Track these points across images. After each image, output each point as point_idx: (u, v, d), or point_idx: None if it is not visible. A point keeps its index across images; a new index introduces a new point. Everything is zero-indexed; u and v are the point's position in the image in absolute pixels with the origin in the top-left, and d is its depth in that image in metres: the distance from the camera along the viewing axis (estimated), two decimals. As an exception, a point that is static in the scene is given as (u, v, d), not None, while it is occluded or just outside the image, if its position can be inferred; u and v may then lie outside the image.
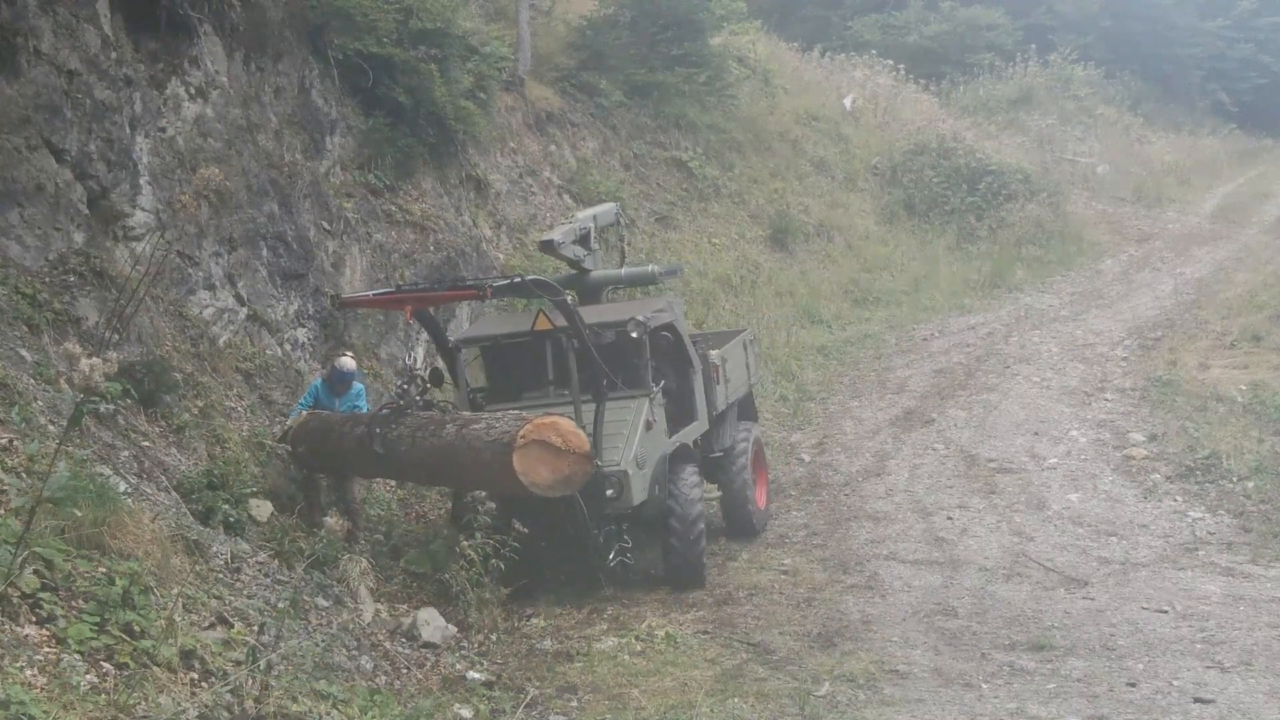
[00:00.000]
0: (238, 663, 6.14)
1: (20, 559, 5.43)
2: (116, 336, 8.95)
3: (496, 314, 13.45)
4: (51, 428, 7.31)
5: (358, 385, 10.70)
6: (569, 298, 9.92)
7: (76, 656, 5.29)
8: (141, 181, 10.25)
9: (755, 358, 13.67)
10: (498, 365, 11.09)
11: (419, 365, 9.95)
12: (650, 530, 10.65)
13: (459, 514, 10.34)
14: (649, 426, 10.28)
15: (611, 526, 10.29)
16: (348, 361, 10.60)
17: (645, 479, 10.11)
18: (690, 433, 11.18)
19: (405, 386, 9.95)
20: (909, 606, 10.02)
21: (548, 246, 11.39)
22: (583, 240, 11.90)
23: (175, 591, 6.52)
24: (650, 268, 12.69)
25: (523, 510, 9.78)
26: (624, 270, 12.62)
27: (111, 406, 8.33)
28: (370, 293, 11.19)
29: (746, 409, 13.03)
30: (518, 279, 9.65)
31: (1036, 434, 14.73)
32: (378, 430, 9.35)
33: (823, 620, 9.75)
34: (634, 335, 10.24)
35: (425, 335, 14.08)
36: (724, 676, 8.54)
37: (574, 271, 11.91)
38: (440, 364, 10.98)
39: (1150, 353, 17.64)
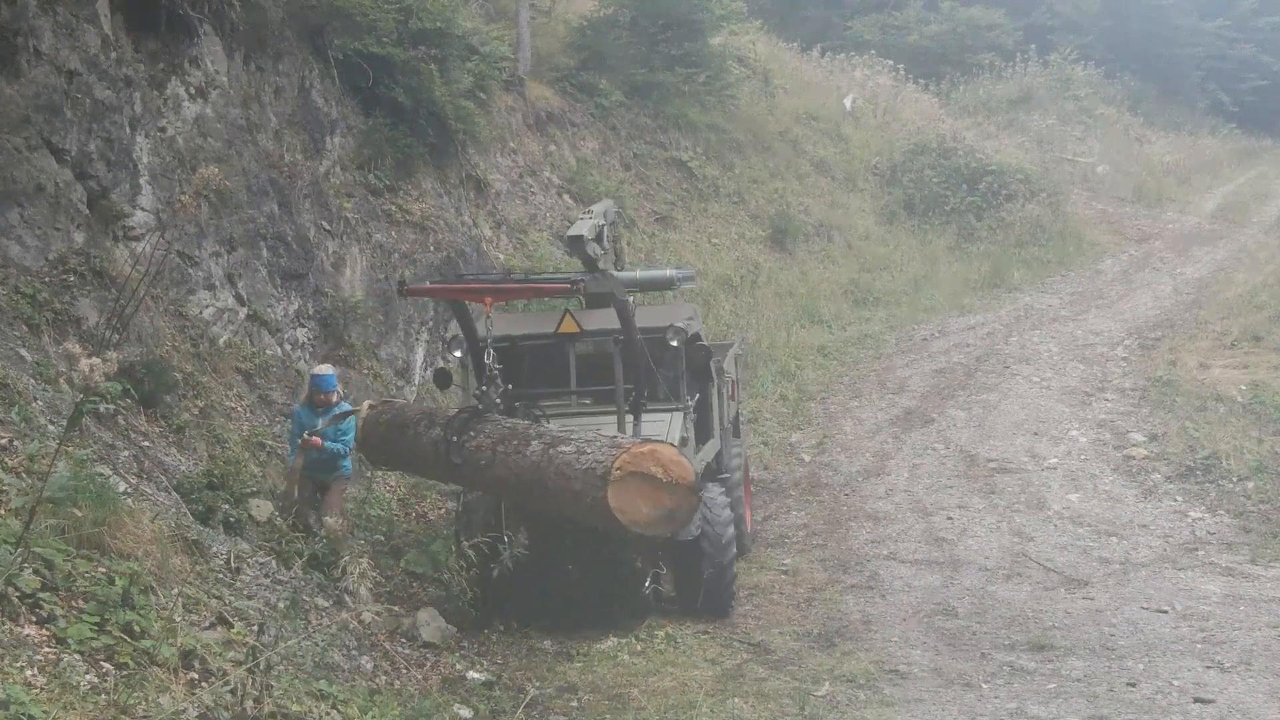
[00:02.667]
0: (238, 663, 6.13)
1: (20, 559, 5.42)
2: (116, 336, 8.94)
3: (497, 314, 13.28)
4: (51, 428, 7.30)
5: (343, 404, 9.71)
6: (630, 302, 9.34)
7: (76, 656, 5.28)
8: (141, 181, 10.24)
9: (743, 372, 13.28)
10: (514, 368, 9.99)
11: (495, 364, 8.81)
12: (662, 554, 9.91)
13: (462, 519, 9.84)
14: (684, 443, 9.53)
15: (651, 551, 9.48)
16: (324, 366, 9.87)
17: None
18: (709, 450, 10.59)
19: (484, 388, 8.84)
20: (909, 606, 10.02)
21: (577, 242, 10.71)
22: (597, 238, 11.58)
23: (175, 591, 6.51)
24: (668, 271, 11.97)
25: (549, 529, 9.16)
26: (639, 273, 12.00)
27: (111, 406, 8.32)
28: (430, 282, 10.18)
29: (735, 426, 12.49)
30: (599, 274, 9.12)
31: (1036, 434, 14.73)
32: (454, 438, 8.42)
33: (823, 620, 9.75)
34: (673, 343, 9.62)
35: (425, 336, 14.11)
36: (724, 676, 8.54)
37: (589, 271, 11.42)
38: (447, 366, 10.49)
39: (1150, 353, 17.64)
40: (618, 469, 7.43)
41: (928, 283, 22.82)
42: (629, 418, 9.35)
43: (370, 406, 9.56)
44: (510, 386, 8.92)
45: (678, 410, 9.79)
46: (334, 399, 9.56)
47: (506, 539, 8.96)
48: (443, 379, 10.21)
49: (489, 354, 8.72)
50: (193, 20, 11.15)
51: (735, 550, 9.86)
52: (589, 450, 7.76)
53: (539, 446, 8.06)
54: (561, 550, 9.28)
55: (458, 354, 10.11)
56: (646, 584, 9.52)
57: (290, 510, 9.19)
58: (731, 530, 9.75)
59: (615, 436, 8.08)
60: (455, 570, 9.44)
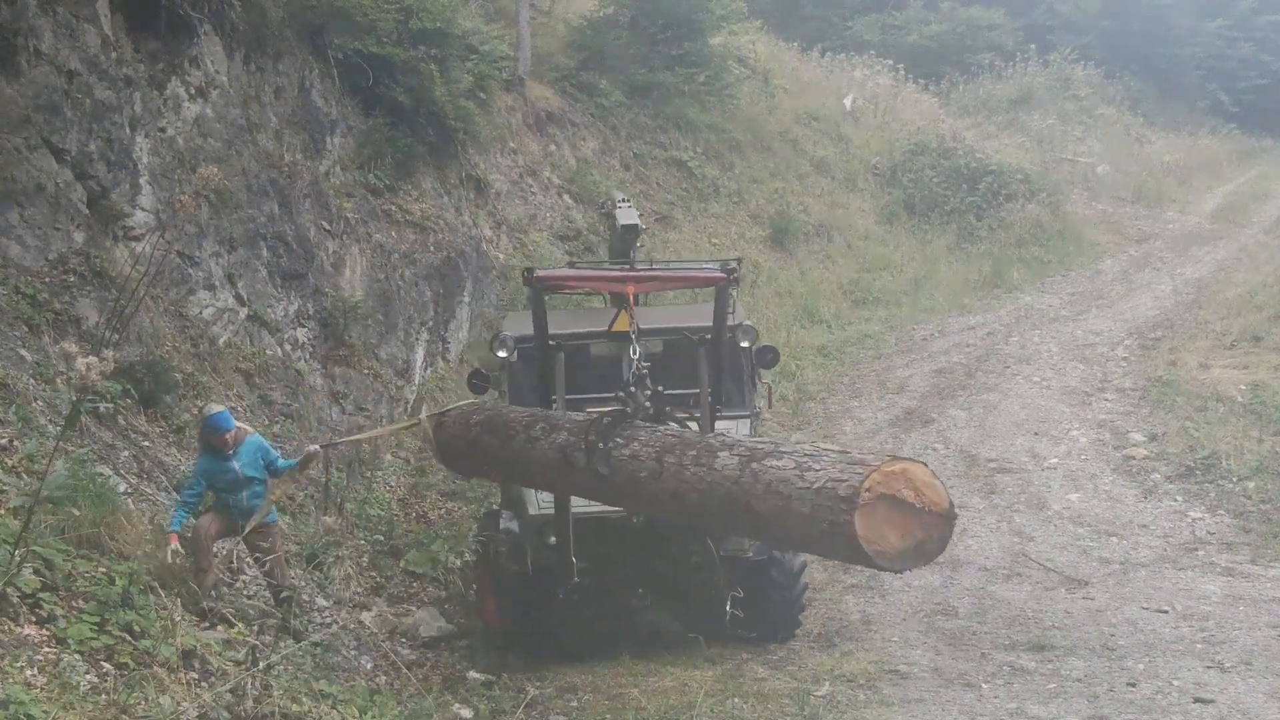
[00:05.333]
0: (238, 663, 6.14)
1: (20, 559, 5.43)
2: (116, 336, 8.94)
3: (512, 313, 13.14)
4: (51, 428, 7.31)
5: (252, 438, 8.00)
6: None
7: (76, 656, 5.29)
8: (141, 181, 10.24)
9: None
10: (558, 370, 8.83)
11: (643, 362, 7.48)
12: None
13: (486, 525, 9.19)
14: None
15: (733, 572, 8.65)
16: (213, 406, 8.08)
17: None
18: None
19: (631, 389, 7.40)
20: (909, 606, 10.02)
21: (632, 230, 10.07)
22: None
23: (175, 591, 6.52)
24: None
25: (617, 549, 8.44)
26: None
27: (111, 406, 8.34)
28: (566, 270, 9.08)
29: None
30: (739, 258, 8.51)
31: (1036, 434, 14.72)
32: (601, 444, 6.76)
33: (823, 620, 9.75)
34: (743, 344, 8.94)
35: (425, 336, 14.11)
36: (724, 676, 8.53)
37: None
38: (486, 369, 9.64)
39: (1150, 353, 17.63)
40: (867, 490, 5.94)
41: (928, 283, 22.80)
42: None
43: (430, 416, 8.30)
44: (661, 388, 7.47)
45: (744, 417, 8.97)
46: (237, 436, 7.88)
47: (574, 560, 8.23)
48: (479, 382, 9.34)
49: (635, 349, 7.50)
50: (193, 20, 11.14)
51: (805, 579, 9.16)
52: (816, 466, 6.26)
53: (732, 459, 6.54)
54: (634, 572, 8.61)
55: (502, 354, 9.25)
56: (727, 608, 8.63)
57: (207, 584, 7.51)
58: (802, 558, 8.98)
59: (844, 450, 6.50)
60: (462, 577, 9.40)
